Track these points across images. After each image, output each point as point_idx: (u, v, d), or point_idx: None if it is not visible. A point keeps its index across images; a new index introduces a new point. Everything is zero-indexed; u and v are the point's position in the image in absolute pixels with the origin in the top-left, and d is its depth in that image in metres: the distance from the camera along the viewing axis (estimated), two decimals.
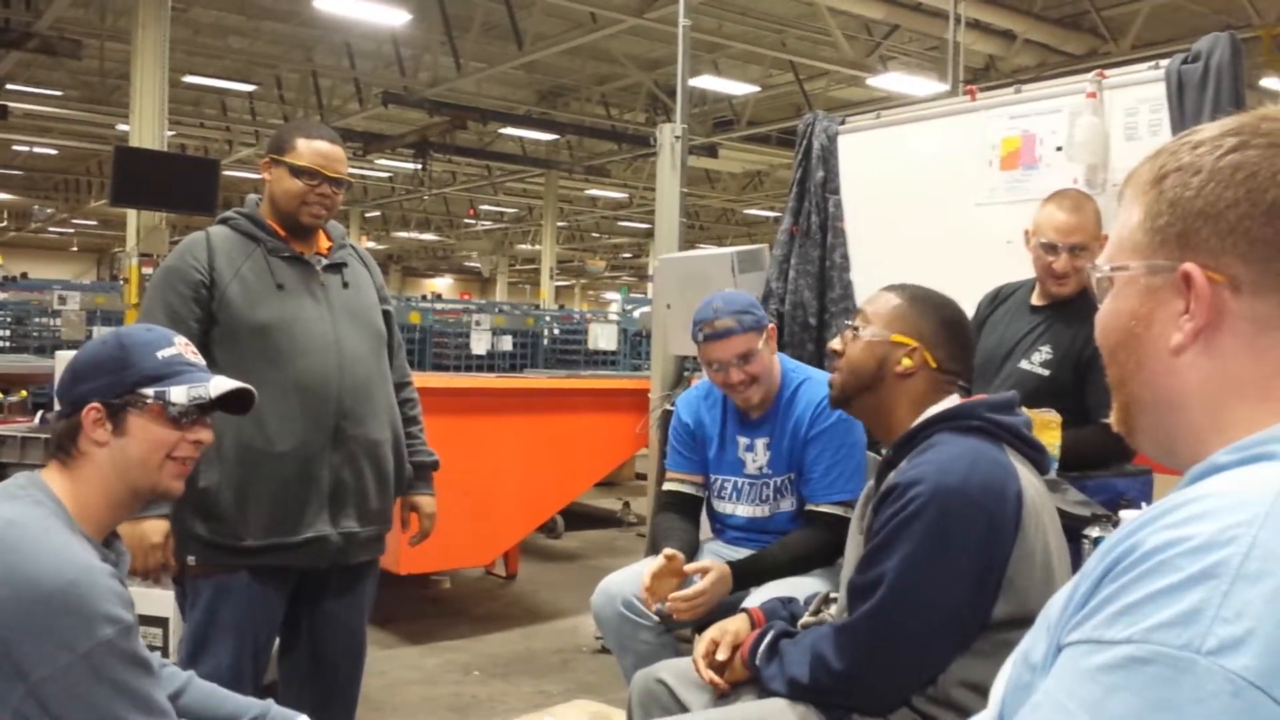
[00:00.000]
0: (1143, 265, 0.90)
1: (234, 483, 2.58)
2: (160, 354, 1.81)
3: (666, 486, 3.17)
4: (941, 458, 1.85)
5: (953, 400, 2.02)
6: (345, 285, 2.80)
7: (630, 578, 2.98)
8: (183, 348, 1.87)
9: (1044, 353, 3.02)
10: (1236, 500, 0.74)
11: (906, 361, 2.01)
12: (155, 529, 2.53)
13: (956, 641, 1.79)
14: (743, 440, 3.04)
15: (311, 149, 2.71)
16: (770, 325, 3.02)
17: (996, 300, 3.28)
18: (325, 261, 2.78)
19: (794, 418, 2.98)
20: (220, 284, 2.63)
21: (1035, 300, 3.14)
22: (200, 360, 1.89)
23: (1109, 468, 2.90)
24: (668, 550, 2.71)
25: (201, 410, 1.83)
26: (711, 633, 2.22)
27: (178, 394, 1.79)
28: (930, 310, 2.06)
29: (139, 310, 2.71)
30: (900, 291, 2.10)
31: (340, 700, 2.87)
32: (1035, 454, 1.96)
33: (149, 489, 1.80)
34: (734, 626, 2.21)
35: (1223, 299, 0.85)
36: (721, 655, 2.16)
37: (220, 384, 1.86)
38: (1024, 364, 3.04)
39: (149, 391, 1.77)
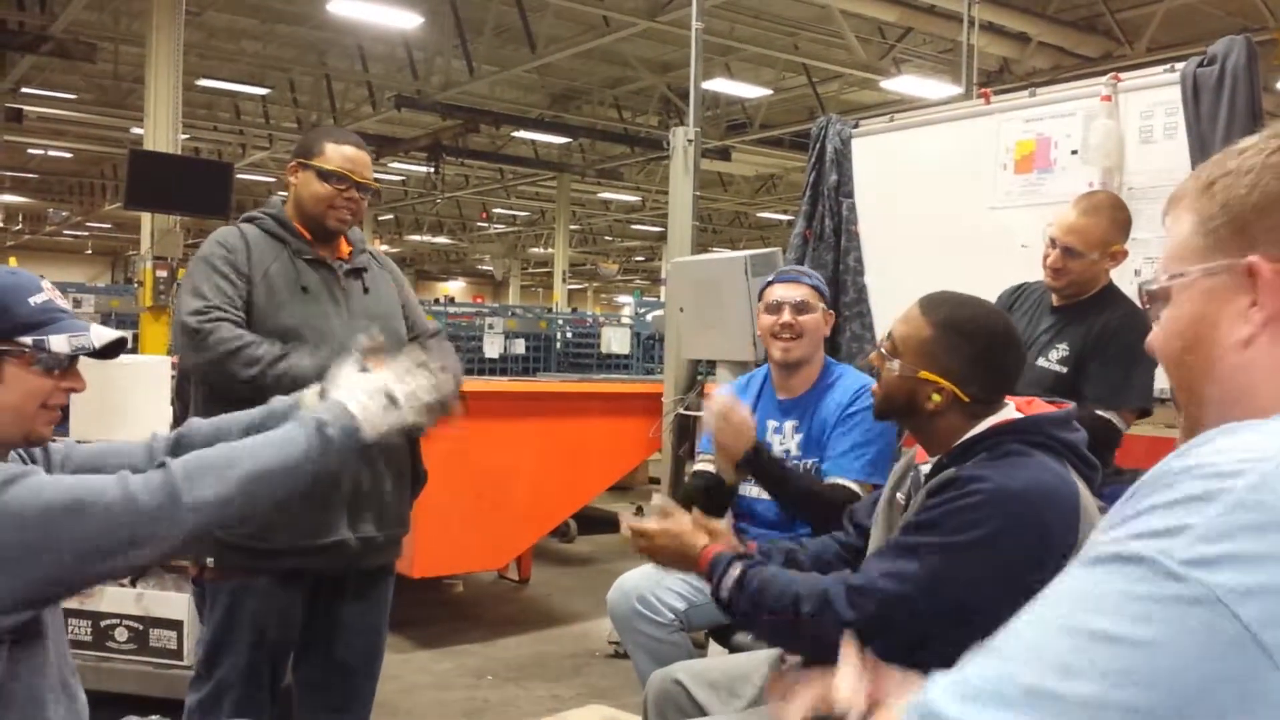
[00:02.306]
0: (1200, 268, 0.92)
1: None
2: (33, 300, 1.73)
3: (696, 468, 3.23)
4: (1008, 464, 1.83)
5: (1009, 411, 1.96)
6: (365, 290, 2.81)
7: (646, 575, 2.99)
8: (51, 292, 1.78)
9: (1060, 350, 3.05)
10: (1261, 439, 0.77)
11: (936, 398, 1.94)
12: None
13: (967, 640, 1.76)
14: (772, 423, 3.10)
15: (340, 154, 2.72)
16: (831, 311, 3.17)
17: (1017, 296, 3.28)
18: (346, 266, 2.79)
19: (830, 404, 3.03)
20: (252, 282, 2.65)
21: (1056, 301, 3.16)
22: (68, 305, 1.80)
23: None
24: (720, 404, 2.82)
25: (73, 359, 1.76)
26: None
27: (58, 343, 1.71)
28: (962, 343, 1.95)
29: (181, 289, 2.68)
30: (934, 315, 1.99)
31: (356, 703, 2.87)
32: (1090, 473, 1.92)
33: (21, 436, 1.73)
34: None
35: None
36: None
37: (101, 333, 1.78)
38: (1042, 361, 3.07)
39: (27, 340, 1.69)
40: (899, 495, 2.07)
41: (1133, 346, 2.91)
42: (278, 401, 2.09)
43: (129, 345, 1.89)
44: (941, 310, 2.00)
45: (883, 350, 2.04)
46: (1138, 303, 3.05)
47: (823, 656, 1.86)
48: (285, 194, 2.86)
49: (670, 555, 2.07)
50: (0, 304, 1.69)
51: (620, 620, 2.98)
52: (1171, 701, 0.68)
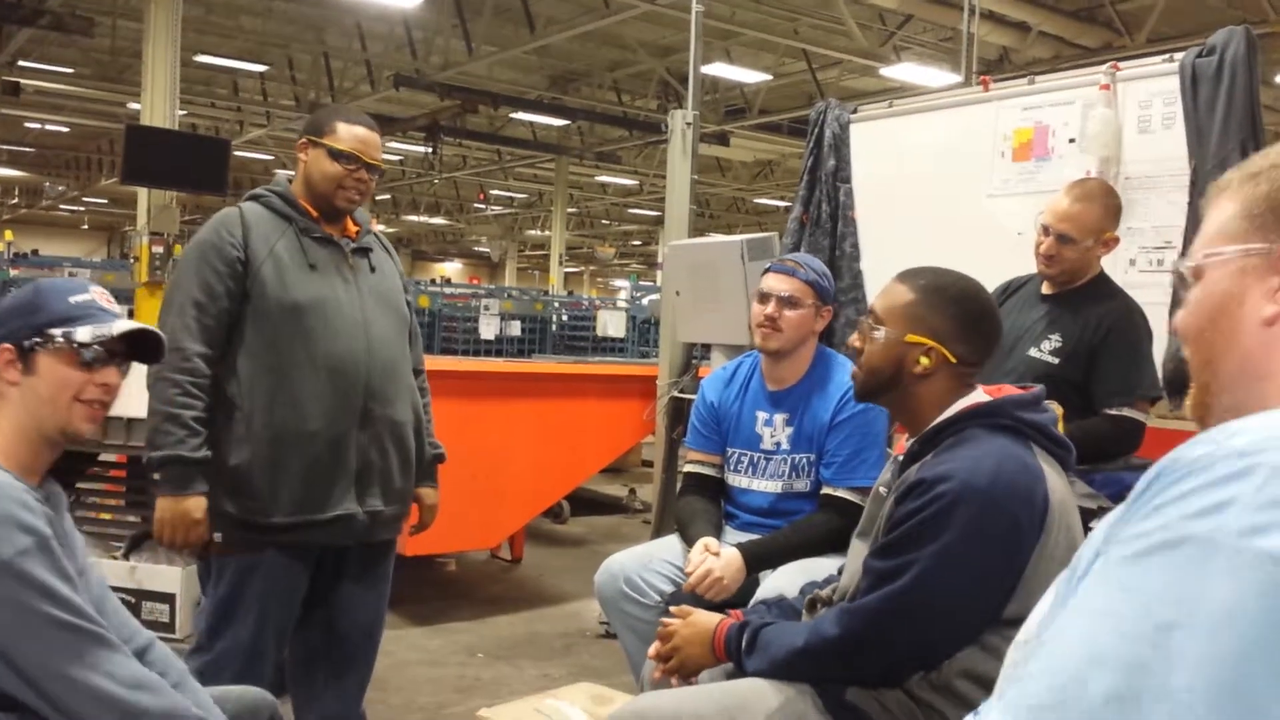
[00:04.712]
0: (1238, 249, 0.97)
1: (264, 461, 2.60)
2: (72, 298, 1.87)
3: (688, 468, 3.19)
4: (971, 455, 1.82)
5: (978, 394, 1.97)
6: (372, 269, 2.84)
7: (634, 557, 3.00)
8: (98, 295, 1.91)
9: (1053, 341, 3.04)
10: (1277, 421, 0.79)
11: (924, 361, 1.96)
12: (196, 505, 2.56)
13: (960, 636, 1.79)
14: (761, 415, 3.06)
15: (352, 134, 2.74)
16: (828, 308, 3.09)
17: (1007, 292, 3.29)
18: (353, 245, 2.81)
19: (822, 398, 3.00)
20: (255, 262, 2.65)
21: (1045, 289, 3.16)
22: (115, 307, 1.93)
23: (1115, 460, 2.91)
24: (707, 541, 2.84)
25: (111, 355, 1.88)
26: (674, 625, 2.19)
27: (83, 333, 1.84)
28: (946, 303, 1.99)
29: (171, 284, 2.75)
30: (913, 283, 2.03)
31: (354, 676, 2.90)
32: (1062, 452, 1.94)
33: (58, 429, 1.84)
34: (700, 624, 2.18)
35: None
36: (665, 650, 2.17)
37: (122, 324, 1.89)
38: (1033, 351, 3.06)
39: (56, 332, 1.83)
40: (881, 489, 2.10)
41: (1136, 338, 2.95)
42: None
43: (157, 343, 1.98)
44: (923, 277, 2.04)
45: (868, 324, 2.05)
46: (1128, 294, 3.10)
47: (835, 676, 1.90)
48: (292, 172, 2.87)
49: (695, 643, 2.12)
50: (39, 302, 1.85)
51: (607, 602, 2.99)
52: (1261, 669, 0.69)
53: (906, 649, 1.83)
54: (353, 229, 2.85)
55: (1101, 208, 3.04)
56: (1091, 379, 2.96)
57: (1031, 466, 1.83)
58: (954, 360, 1.96)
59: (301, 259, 2.69)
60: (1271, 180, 0.96)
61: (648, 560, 2.99)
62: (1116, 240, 3.09)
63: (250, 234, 2.67)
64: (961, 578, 1.77)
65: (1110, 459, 2.90)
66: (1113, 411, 2.92)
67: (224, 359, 2.64)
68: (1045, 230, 3.05)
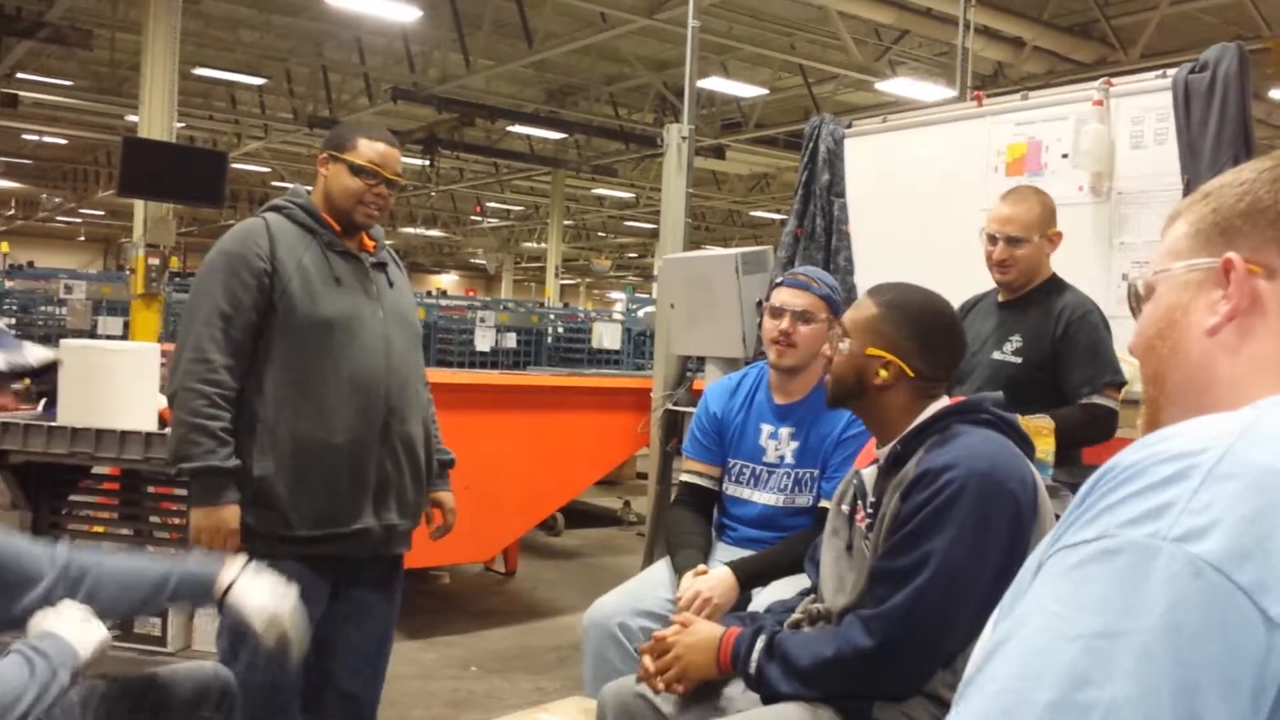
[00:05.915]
0: (1184, 264, 1.00)
1: (287, 473, 2.62)
2: None
3: (684, 477, 3.15)
4: (966, 445, 1.89)
5: (944, 401, 2.03)
6: (390, 284, 2.86)
7: (623, 600, 2.87)
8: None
9: (1014, 342, 3.13)
10: (1213, 425, 0.80)
11: (884, 374, 2.02)
12: (232, 514, 2.58)
13: (977, 626, 1.80)
14: (766, 428, 3.02)
15: (372, 149, 2.76)
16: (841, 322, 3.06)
17: (965, 309, 3.33)
18: (372, 260, 2.83)
19: (832, 413, 2.93)
20: (283, 275, 2.65)
21: (1001, 298, 3.26)
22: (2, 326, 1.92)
23: (1094, 444, 3.06)
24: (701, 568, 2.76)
25: (4, 379, 1.86)
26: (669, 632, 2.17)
27: None
28: (907, 320, 2.05)
29: (195, 293, 2.73)
30: (879, 298, 2.09)
31: (369, 687, 2.94)
32: (1028, 449, 2.01)
33: None
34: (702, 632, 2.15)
35: (1257, 285, 0.94)
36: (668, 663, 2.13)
37: (40, 354, 1.88)
38: (995, 355, 3.15)
39: None
40: (844, 507, 2.11)
41: (1093, 329, 3.06)
42: (189, 573, 2.13)
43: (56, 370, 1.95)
44: (888, 293, 2.10)
45: (836, 335, 2.11)
46: (1080, 290, 3.21)
47: (859, 692, 1.89)
48: (309, 186, 2.87)
49: (698, 650, 2.10)
50: None
51: (592, 648, 2.81)
52: (1201, 675, 0.68)
53: (938, 645, 1.85)
54: (369, 244, 2.86)
55: (1038, 205, 3.15)
56: (1059, 375, 3.06)
57: (1017, 452, 1.93)
58: (912, 375, 2.02)
59: (328, 273, 2.71)
60: (1220, 199, 0.99)
61: (638, 601, 2.86)
62: (1060, 235, 3.19)
63: (277, 246, 2.67)
64: (977, 560, 1.81)
65: (1087, 444, 3.07)
66: (1084, 401, 3.03)
67: (250, 372, 2.65)
68: (993, 239, 3.16)
